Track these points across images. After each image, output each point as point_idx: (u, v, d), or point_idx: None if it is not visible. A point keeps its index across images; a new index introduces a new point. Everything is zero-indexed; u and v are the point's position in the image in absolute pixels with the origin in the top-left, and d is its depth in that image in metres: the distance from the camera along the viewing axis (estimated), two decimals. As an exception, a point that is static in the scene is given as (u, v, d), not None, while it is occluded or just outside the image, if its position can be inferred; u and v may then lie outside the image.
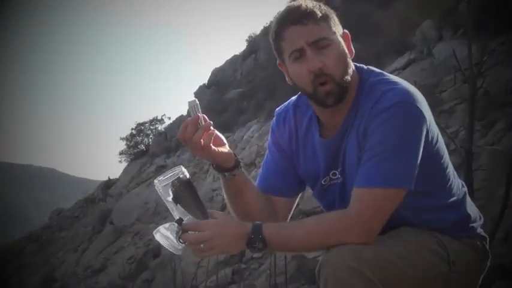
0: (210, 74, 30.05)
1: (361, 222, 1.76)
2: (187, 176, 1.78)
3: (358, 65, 1.97)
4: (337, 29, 1.89)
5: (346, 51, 1.90)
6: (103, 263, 17.39)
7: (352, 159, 1.90)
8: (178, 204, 1.77)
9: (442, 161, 1.96)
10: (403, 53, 14.02)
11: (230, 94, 24.76)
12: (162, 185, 1.75)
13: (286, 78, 1.99)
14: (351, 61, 1.92)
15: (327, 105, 1.90)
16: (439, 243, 1.89)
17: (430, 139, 1.87)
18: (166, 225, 1.79)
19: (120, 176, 26.31)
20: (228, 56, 31.36)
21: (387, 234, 1.85)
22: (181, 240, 1.77)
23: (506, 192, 4.25)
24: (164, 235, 1.78)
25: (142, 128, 28.48)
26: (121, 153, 28.14)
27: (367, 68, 1.97)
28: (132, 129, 28.56)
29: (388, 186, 1.78)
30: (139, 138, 28.23)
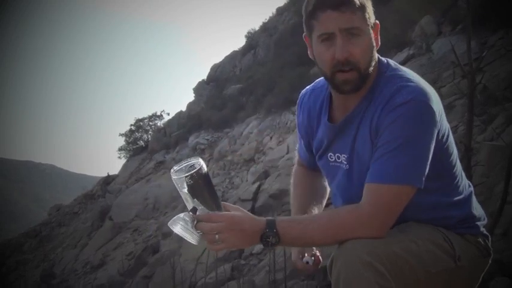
0: (209, 70, 30.08)
1: (375, 217, 1.79)
2: (205, 169, 1.77)
3: (379, 56, 1.98)
4: (371, 20, 1.90)
5: (374, 43, 1.92)
6: (102, 259, 17.40)
7: (362, 151, 1.92)
8: (194, 198, 1.77)
9: (451, 159, 1.98)
10: (402, 48, 14.02)
11: (229, 90, 24.76)
12: (179, 176, 1.74)
13: (309, 51, 1.99)
14: (376, 53, 1.94)
15: (343, 92, 1.92)
16: (445, 238, 1.91)
17: (440, 137, 1.88)
18: (181, 214, 1.79)
19: (119, 172, 26.32)
20: (227, 52, 31.40)
21: (395, 229, 1.87)
22: (197, 230, 1.77)
23: (505, 188, 4.24)
24: (180, 224, 1.78)
25: (142, 124, 28.51)
26: (120, 150, 28.19)
27: (386, 60, 1.99)
28: (131, 125, 28.61)
29: (401, 183, 1.80)
30: (138, 135, 28.26)
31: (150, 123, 28.57)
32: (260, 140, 18.31)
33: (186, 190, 1.75)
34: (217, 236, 1.75)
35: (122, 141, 28.45)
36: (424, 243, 1.84)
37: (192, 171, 1.73)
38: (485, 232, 2.05)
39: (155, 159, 24.09)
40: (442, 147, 1.91)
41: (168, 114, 28.74)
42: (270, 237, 1.78)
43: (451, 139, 1.98)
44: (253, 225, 1.79)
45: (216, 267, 10.00)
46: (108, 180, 26.12)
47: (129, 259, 15.69)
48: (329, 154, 2.06)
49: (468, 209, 2.02)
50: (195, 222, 1.76)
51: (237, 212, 1.82)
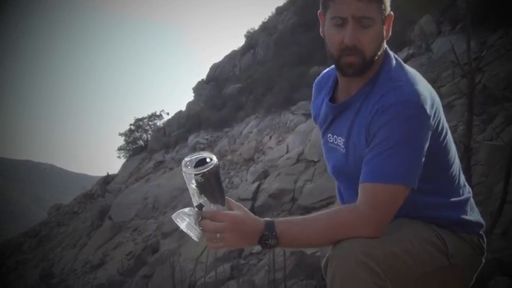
0: (208, 69, 30.07)
1: (373, 217, 1.79)
2: (217, 167, 1.77)
3: (387, 47, 2.01)
4: (386, 11, 1.93)
5: (384, 34, 1.95)
6: (102, 259, 17.40)
7: (357, 140, 1.94)
8: (202, 194, 1.76)
9: (448, 158, 1.99)
10: (402, 48, 14.02)
11: (229, 89, 24.74)
12: (190, 172, 1.73)
13: (320, 29, 2.02)
14: (384, 43, 1.97)
15: (346, 75, 1.96)
16: (437, 236, 1.91)
17: (437, 135, 1.90)
18: (186, 209, 1.78)
19: (118, 172, 26.31)
20: (227, 52, 31.39)
21: (390, 227, 1.87)
22: (200, 226, 1.77)
23: (504, 187, 4.25)
24: (184, 219, 1.77)
25: (141, 123, 28.48)
26: (120, 149, 28.16)
27: (393, 54, 2.02)
28: (130, 124, 28.58)
29: (397, 182, 1.81)
30: (138, 134, 28.23)
31: (150, 122, 28.55)
32: (260, 140, 18.31)
33: (194, 186, 1.74)
34: (218, 234, 1.76)
35: (121, 141, 28.44)
36: (419, 241, 1.85)
37: (205, 170, 1.72)
38: (480, 232, 2.05)
39: (155, 158, 24.07)
40: (439, 146, 1.92)
41: (168, 113, 28.72)
42: (268, 239, 1.78)
43: (450, 140, 1.98)
44: (254, 227, 1.78)
45: (215, 266, 10.00)
46: (108, 179, 26.11)
47: (129, 259, 15.69)
48: (328, 135, 2.09)
49: (464, 213, 2.02)
50: (200, 218, 1.76)
51: (240, 211, 1.82)
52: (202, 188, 1.74)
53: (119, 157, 28.14)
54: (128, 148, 27.99)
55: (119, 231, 18.93)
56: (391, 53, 2.00)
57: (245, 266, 10.87)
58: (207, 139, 21.79)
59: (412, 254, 1.81)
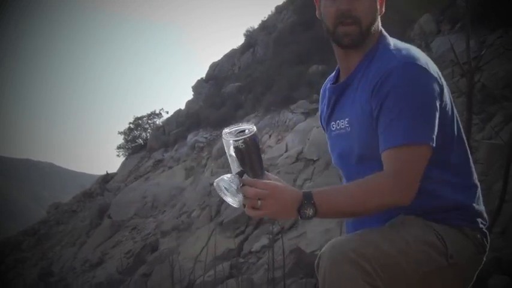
0: (208, 68, 30.07)
1: (397, 183, 1.79)
2: (257, 136, 1.81)
3: (381, 29, 2.05)
4: None
5: (378, 7, 1.99)
6: (101, 257, 17.40)
7: (360, 111, 1.94)
8: (241, 162, 1.79)
9: (455, 129, 1.98)
10: (401, 47, 14.01)
11: (228, 88, 24.73)
12: (231, 139, 1.77)
13: (317, 12, 2.06)
14: (379, 18, 2.01)
15: (343, 46, 1.99)
16: (437, 235, 1.89)
17: (444, 104, 1.91)
18: (227, 176, 1.79)
19: (118, 170, 26.31)
20: (226, 51, 31.40)
21: (387, 226, 1.87)
22: (241, 192, 1.78)
23: (503, 186, 4.25)
24: (224, 186, 1.78)
25: (140, 122, 28.49)
26: (119, 148, 28.18)
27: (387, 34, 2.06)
28: (130, 123, 28.59)
29: (415, 142, 1.81)
30: (137, 133, 28.25)
31: (149, 121, 28.57)
32: (259, 139, 18.32)
33: (234, 153, 1.77)
34: (259, 202, 1.75)
35: (120, 140, 28.47)
36: (415, 242, 1.84)
37: (246, 136, 1.76)
38: (484, 230, 2.02)
39: (154, 157, 24.07)
40: (446, 114, 1.93)
41: (167, 112, 28.75)
42: (307, 208, 1.77)
43: (454, 108, 1.99)
44: (293, 197, 1.78)
45: (214, 265, 10.00)
46: (107, 178, 26.12)
47: (128, 257, 15.69)
48: (332, 123, 2.10)
49: (471, 200, 2.00)
50: (241, 185, 1.77)
51: (279, 182, 1.84)
52: (242, 156, 1.78)
53: (118, 156, 28.20)
54: (127, 147, 28.01)
55: (118, 229, 18.93)
56: (385, 32, 2.04)
57: (244, 264, 10.87)
58: (206, 138, 21.77)
59: (407, 254, 1.79)
